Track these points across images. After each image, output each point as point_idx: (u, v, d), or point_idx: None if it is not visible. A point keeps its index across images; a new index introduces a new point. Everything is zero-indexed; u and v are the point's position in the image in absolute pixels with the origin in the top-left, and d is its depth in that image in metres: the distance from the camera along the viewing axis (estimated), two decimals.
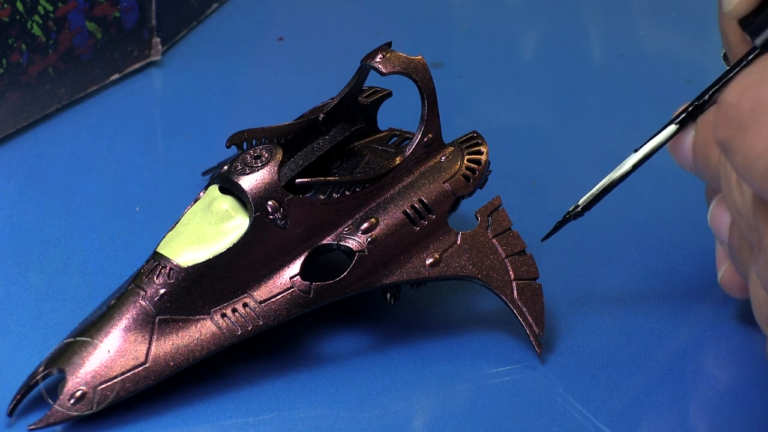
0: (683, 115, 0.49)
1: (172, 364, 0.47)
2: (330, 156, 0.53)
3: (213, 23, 0.75)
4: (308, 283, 0.49)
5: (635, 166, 0.50)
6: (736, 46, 0.49)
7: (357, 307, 0.52)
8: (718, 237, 0.49)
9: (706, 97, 0.48)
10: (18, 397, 0.47)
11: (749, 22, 0.47)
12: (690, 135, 0.49)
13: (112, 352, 0.47)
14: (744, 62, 0.47)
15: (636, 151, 0.50)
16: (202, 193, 0.51)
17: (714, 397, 0.50)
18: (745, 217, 0.42)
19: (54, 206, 0.59)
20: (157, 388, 0.47)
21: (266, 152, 0.49)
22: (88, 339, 0.47)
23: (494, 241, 0.51)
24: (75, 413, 0.46)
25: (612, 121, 0.68)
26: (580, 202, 0.51)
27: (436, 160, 0.52)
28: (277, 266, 0.49)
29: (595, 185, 0.50)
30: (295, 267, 0.49)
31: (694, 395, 0.50)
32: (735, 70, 0.48)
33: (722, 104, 0.40)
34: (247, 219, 0.49)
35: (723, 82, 0.48)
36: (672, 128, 0.49)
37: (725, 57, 0.50)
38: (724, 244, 0.48)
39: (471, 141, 0.53)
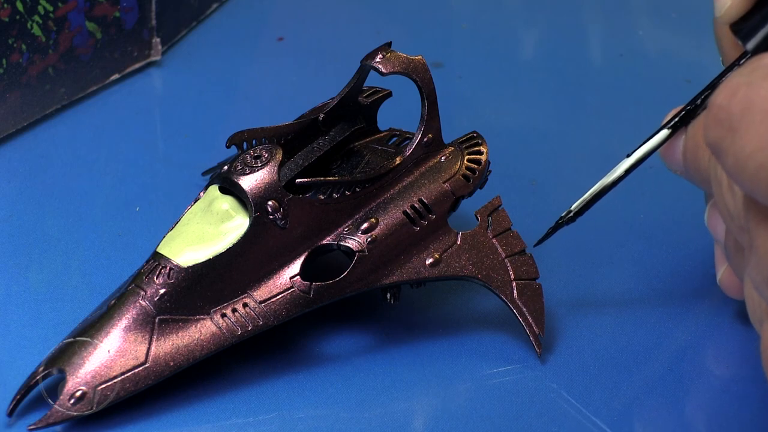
0: (676, 120, 0.49)
1: (172, 364, 0.47)
2: (330, 156, 0.53)
3: (213, 23, 0.75)
4: (308, 283, 0.49)
5: (628, 171, 0.50)
6: (728, 50, 0.49)
7: (357, 307, 0.52)
8: (715, 238, 0.49)
9: (699, 101, 0.48)
10: (18, 397, 0.47)
11: (740, 27, 0.47)
12: (681, 139, 0.49)
13: (112, 352, 0.47)
14: (735, 67, 0.47)
15: (629, 155, 0.50)
16: (202, 193, 0.51)
17: (714, 397, 0.50)
18: (737, 219, 0.42)
19: (54, 206, 0.59)
20: (157, 388, 0.47)
21: (266, 152, 0.49)
22: (88, 339, 0.47)
23: (494, 241, 0.51)
24: (75, 413, 0.46)
25: (612, 121, 0.68)
26: (572, 207, 0.51)
27: (436, 160, 0.52)
28: (277, 266, 0.49)
29: (589, 189, 0.50)
30: (295, 267, 0.49)
31: (694, 395, 0.50)
32: (727, 75, 0.48)
33: (712, 106, 0.40)
34: (247, 219, 0.49)
35: (716, 86, 0.48)
36: (665, 133, 0.49)
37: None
38: (720, 245, 0.48)
39: (471, 141, 0.53)
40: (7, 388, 0.47)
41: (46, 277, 0.54)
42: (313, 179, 0.50)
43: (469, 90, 0.71)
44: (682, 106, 0.49)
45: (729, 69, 0.48)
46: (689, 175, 0.49)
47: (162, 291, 0.47)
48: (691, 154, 0.48)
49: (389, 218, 0.50)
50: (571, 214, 0.51)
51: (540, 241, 0.51)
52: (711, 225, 0.49)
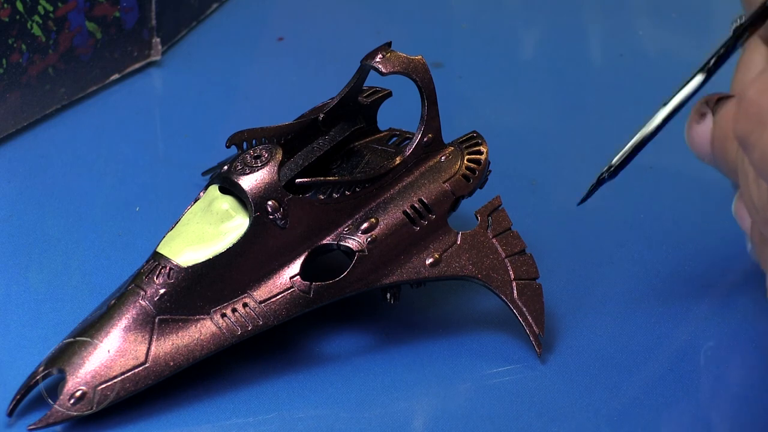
0: (710, 65, 0.47)
1: (172, 364, 0.47)
2: (330, 156, 0.53)
3: (213, 23, 0.75)
4: (308, 283, 0.49)
5: (665, 120, 0.48)
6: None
7: (357, 307, 0.52)
8: (741, 228, 0.49)
9: (728, 47, 0.47)
10: (18, 397, 0.47)
11: None
12: (709, 127, 0.48)
13: (112, 352, 0.47)
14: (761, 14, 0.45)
15: (665, 104, 0.48)
16: (202, 193, 0.51)
17: (714, 397, 0.50)
18: (762, 212, 0.42)
19: (54, 206, 0.59)
20: (157, 388, 0.47)
21: (266, 152, 0.49)
22: (88, 339, 0.47)
23: (494, 241, 0.51)
24: (75, 413, 0.46)
25: (612, 121, 0.68)
26: (613, 161, 0.49)
27: (436, 160, 0.52)
28: (277, 266, 0.49)
29: (627, 143, 0.49)
30: (295, 267, 0.49)
31: (694, 395, 0.50)
32: (755, 24, 0.45)
33: (743, 100, 0.40)
34: (247, 219, 0.49)
35: (748, 23, 0.46)
36: (699, 78, 0.47)
37: (736, 29, 0.49)
38: (747, 236, 0.48)
39: (471, 141, 0.53)
40: (7, 388, 0.47)
41: (46, 277, 0.54)
42: (313, 179, 0.50)
43: (469, 90, 0.71)
44: (716, 50, 0.47)
45: (756, 14, 0.46)
46: (716, 164, 0.48)
47: (162, 291, 0.47)
48: (719, 143, 0.47)
49: (389, 218, 0.50)
50: (612, 169, 0.49)
51: (583, 200, 0.50)
52: (738, 215, 0.48)
